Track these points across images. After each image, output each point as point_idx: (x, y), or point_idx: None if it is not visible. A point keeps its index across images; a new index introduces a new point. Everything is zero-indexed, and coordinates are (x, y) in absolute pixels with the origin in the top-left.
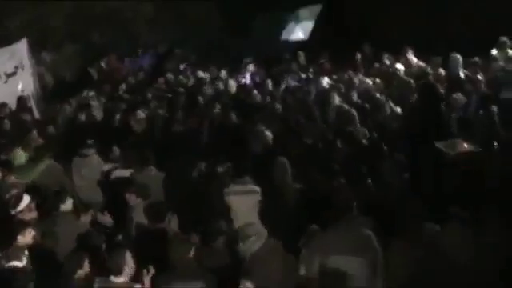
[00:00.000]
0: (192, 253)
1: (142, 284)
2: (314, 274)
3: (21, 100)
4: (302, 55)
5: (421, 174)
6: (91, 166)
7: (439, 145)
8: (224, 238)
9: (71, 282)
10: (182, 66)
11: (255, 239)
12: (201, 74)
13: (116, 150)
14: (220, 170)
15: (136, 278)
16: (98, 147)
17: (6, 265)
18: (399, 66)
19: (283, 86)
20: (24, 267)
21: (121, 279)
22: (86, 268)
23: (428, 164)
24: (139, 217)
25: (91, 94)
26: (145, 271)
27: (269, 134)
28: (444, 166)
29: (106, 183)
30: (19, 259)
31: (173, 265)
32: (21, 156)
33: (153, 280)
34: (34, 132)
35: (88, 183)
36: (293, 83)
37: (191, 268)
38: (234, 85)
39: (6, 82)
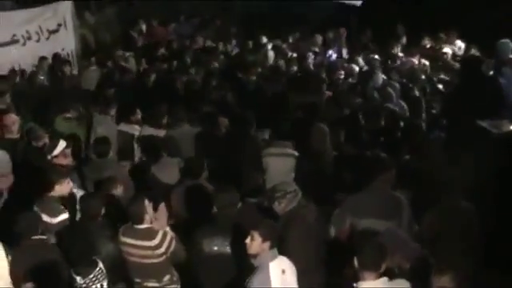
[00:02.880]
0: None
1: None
2: (344, 234)
3: (56, 57)
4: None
5: (462, 150)
6: (107, 124)
7: (484, 123)
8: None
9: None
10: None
11: (291, 197)
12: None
13: (138, 113)
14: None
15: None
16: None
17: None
18: (447, 50)
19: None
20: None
21: (143, 226)
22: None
23: (470, 141)
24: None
25: (128, 54)
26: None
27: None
28: (487, 144)
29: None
30: (53, 215)
31: (214, 218)
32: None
33: (192, 233)
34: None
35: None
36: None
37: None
38: (272, 55)
39: (47, 38)
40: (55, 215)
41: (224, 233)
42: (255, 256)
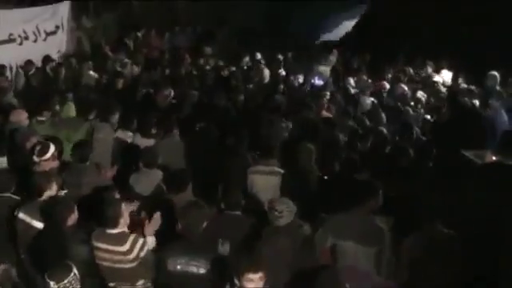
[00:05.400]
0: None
1: (140, 233)
2: (326, 254)
3: (46, 59)
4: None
5: (445, 178)
6: (108, 131)
7: (468, 153)
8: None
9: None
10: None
11: (287, 215)
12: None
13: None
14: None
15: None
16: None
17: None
18: (437, 78)
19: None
20: None
21: (116, 231)
22: (75, 215)
23: (455, 170)
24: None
25: (125, 60)
26: (146, 221)
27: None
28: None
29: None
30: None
31: (183, 235)
32: (72, 110)
33: (158, 249)
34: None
35: (101, 148)
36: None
37: (200, 243)
38: (267, 74)
39: (45, 39)
40: None
41: (189, 252)
42: None
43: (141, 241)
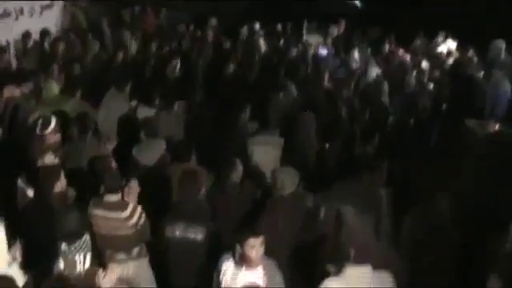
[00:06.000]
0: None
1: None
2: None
3: (43, 33)
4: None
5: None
6: (122, 102)
7: (470, 123)
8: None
9: (50, 195)
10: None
11: (290, 184)
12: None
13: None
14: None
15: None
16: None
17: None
18: (441, 49)
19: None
20: None
21: (115, 198)
22: (62, 181)
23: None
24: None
25: (126, 33)
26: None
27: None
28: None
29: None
30: None
31: (181, 203)
32: (54, 88)
33: (156, 219)
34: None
35: (111, 120)
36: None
37: (198, 210)
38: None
39: (41, 14)
40: None
41: (187, 218)
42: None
43: (139, 208)
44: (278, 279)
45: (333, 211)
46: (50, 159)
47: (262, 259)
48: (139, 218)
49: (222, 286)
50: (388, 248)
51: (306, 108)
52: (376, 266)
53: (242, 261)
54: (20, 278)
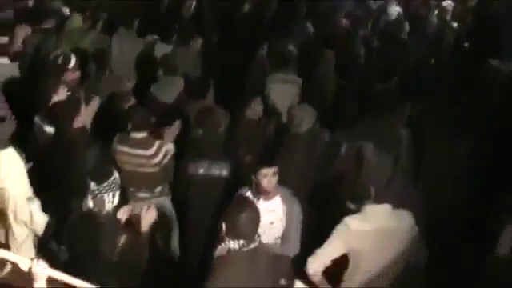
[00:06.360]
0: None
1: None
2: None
3: None
4: None
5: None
6: (134, 39)
7: (495, 62)
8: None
9: (70, 130)
10: None
11: (305, 121)
12: None
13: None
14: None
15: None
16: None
17: (45, 127)
18: None
19: None
20: None
21: (141, 135)
22: (83, 116)
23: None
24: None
25: None
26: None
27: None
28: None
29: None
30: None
31: (202, 140)
32: (77, 20)
33: (178, 155)
34: None
35: (126, 57)
36: None
37: (220, 146)
38: None
39: None
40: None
41: (210, 155)
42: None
43: (165, 146)
44: (296, 208)
45: (353, 148)
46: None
47: (278, 190)
48: (164, 156)
49: None
50: (408, 187)
51: (324, 46)
52: (396, 205)
53: (258, 192)
54: (40, 214)
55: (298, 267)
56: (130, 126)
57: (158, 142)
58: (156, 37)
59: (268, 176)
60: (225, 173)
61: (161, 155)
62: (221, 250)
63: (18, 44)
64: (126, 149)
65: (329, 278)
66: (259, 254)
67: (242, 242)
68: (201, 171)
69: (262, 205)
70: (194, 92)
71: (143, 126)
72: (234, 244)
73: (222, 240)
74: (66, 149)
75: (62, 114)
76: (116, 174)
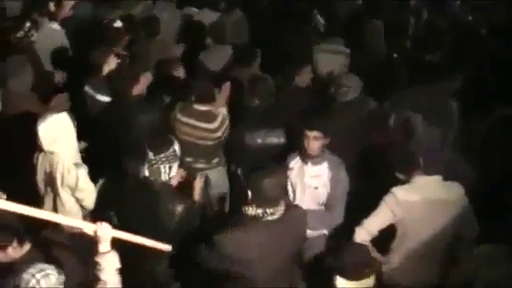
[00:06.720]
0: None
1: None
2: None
3: None
4: None
5: None
6: (172, 9)
7: None
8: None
9: (129, 98)
10: None
11: (351, 90)
12: None
13: None
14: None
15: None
16: None
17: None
18: None
19: None
20: None
21: (205, 107)
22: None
23: None
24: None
25: None
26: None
27: None
28: None
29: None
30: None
31: (255, 109)
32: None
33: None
34: None
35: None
36: None
37: (274, 114)
38: None
39: None
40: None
41: (266, 124)
42: (315, 155)
43: (227, 121)
44: (343, 174)
45: (401, 119)
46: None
47: (326, 156)
48: (225, 130)
49: (290, 180)
50: (457, 160)
51: (372, 16)
52: (446, 177)
53: (305, 156)
54: (86, 180)
55: (344, 236)
56: (193, 98)
57: (221, 115)
58: (195, 9)
59: (310, 139)
60: (282, 140)
61: (222, 129)
62: (243, 212)
63: (66, 10)
64: (188, 120)
65: (376, 247)
66: (279, 227)
67: (267, 209)
68: (259, 141)
69: (309, 169)
70: (242, 60)
71: (208, 98)
72: (256, 210)
73: (248, 204)
74: (124, 116)
75: (120, 83)
76: (176, 146)
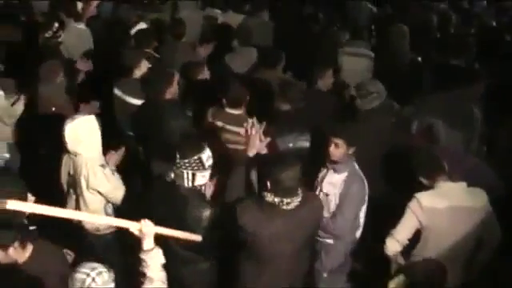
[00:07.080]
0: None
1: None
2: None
3: None
4: None
5: None
6: (193, 9)
7: None
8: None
9: (162, 100)
10: None
11: (376, 96)
12: None
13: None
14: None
15: None
16: None
17: (127, 99)
18: None
19: None
20: None
21: (237, 111)
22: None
23: None
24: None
25: None
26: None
27: None
28: None
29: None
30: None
31: (284, 113)
32: None
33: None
34: None
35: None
36: None
37: (302, 117)
38: None
39: None
40: (140, 97)
41: (295, 128)
42: (338, 161)
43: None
44: (355, 189)
45: (425, 125)
46: (143, 70)
47: (350, 166)
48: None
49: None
50: (481, 164)
51: (397, 20)
52: (469, 183)
53: (328, 162)
54: (112, 179)
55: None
56: (224, 101)
57: (250, 121)
58: (217, 10)
59: (332, 146)
60: (309, 144)
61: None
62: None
63: (93, 8)
64: (219, 123)
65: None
66: (294, 217)
67: (283, 199)
68: (290, 145)
69: (329, 175)
70: (266, 62)
71: (240, 102)
72: (274, 198)
73: (268, 190)
74: (155, 120)
75: (154, 86)
76: (203, 155)
